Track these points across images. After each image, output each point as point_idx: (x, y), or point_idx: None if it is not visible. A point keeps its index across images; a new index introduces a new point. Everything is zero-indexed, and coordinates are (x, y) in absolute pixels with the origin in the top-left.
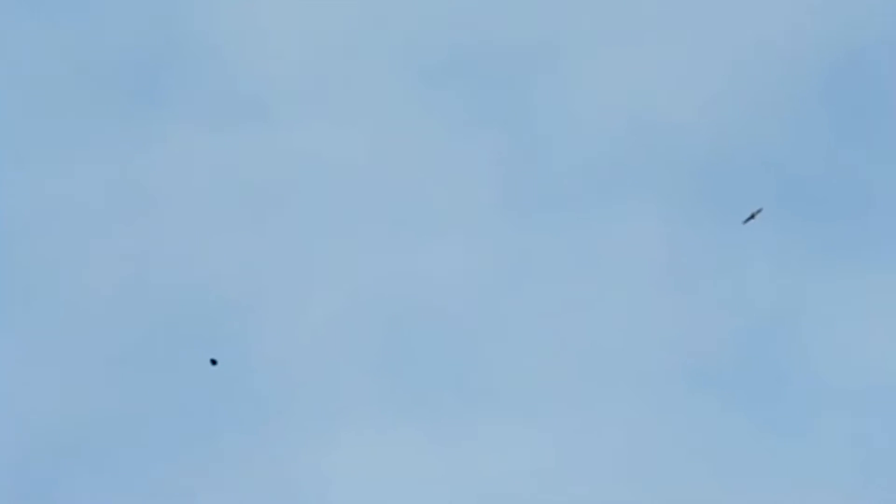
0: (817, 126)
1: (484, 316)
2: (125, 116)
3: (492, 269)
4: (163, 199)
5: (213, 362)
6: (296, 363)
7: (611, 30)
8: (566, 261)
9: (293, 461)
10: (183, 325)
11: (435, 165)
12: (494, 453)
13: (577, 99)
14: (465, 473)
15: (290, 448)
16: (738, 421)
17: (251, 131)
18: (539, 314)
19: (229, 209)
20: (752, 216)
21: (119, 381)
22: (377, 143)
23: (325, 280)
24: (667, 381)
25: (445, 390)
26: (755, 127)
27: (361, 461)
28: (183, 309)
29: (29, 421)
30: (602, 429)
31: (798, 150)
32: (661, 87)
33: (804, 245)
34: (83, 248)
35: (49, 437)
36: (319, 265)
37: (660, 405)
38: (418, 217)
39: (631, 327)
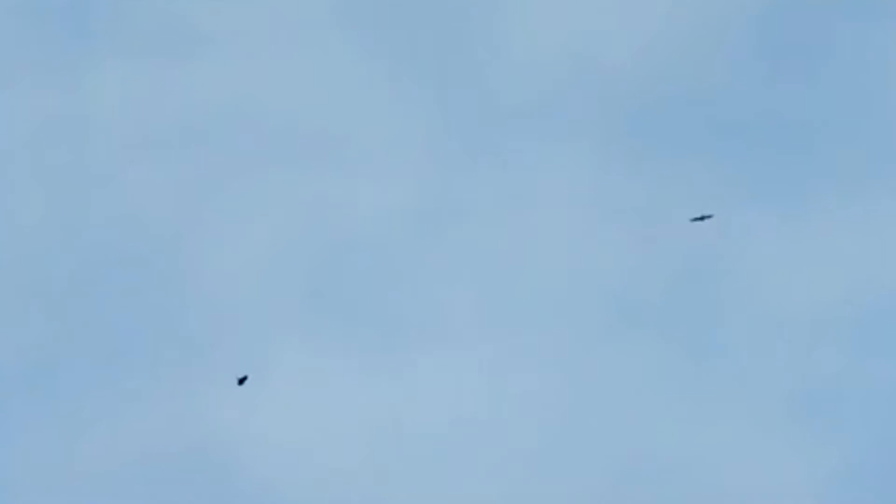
0: (752, 65)
1: (415, 249)
2: (54, 47)
3: (424, 205)
4: (91, 130)
5: (241, 381)
6: (224, 295)
7: None
8: (499, 197)
9: (220, 393)
10: (111, 256)
11: (368, 102)
12: (426, 385)
13: (514, 39)
14: (396, 404)
15: (218, 380)
16: (673, 351)
17: (179, 64)
18: (471, 249)
19: (157, 141)
20: (702, 218)
21: (45, 313)
22: (312, 78)
23: (254, 211)
24: (600, 314)
25: (376, 322)
26: (691, 67)
27: (290, 393)
28: (110, 240)
29: None
30: (535, 361)
31: (732, 89)
32: (597, 27)
33: (738, 183)
34: (8, 180)
35: None
36: (249, 197)
37: (594, 338)
38: (350, 150)
39: (564, 261)
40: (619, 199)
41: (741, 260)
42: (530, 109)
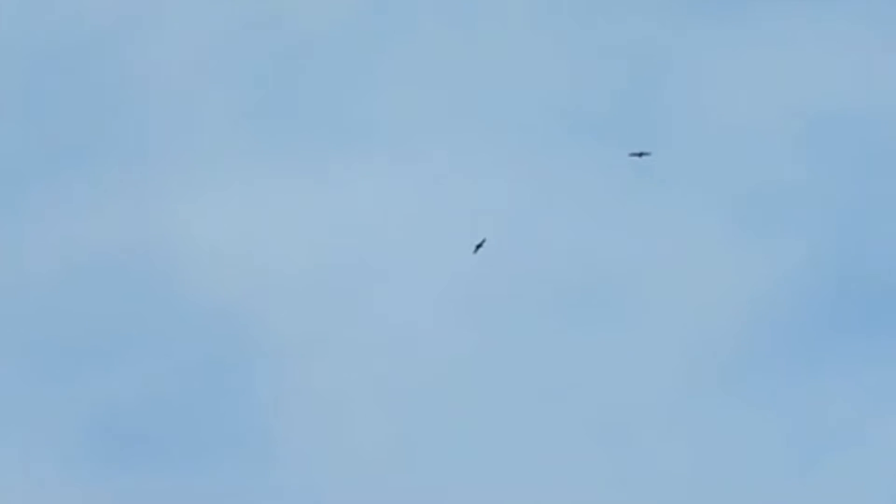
0: None
1: (355, 56)
2: None
3: (365, 12)
4: None
5: (479, 246)
6: (172, 99)
7: None
8: (443, 14)
9: (165, 196)
10: (58, 60)
11: None
12: (371, 192)
13: None
14: (337, 213)
15: (161, 191)
16: (617, 160)
17: None
18: (416, 57)
19: None
20: (640, 154)
21: None
22: None
23: (204, 15)
24: (548, 126)
25: (316, 130)
26: None
27: (232, 203)
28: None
29: None
30: (479, 170)
31: None
32: None
33: None
34: None
35: None
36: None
37: (541, 149)
38: None
39: (512, 73)
40: (567, 12)
41: (686, 71)
42: None
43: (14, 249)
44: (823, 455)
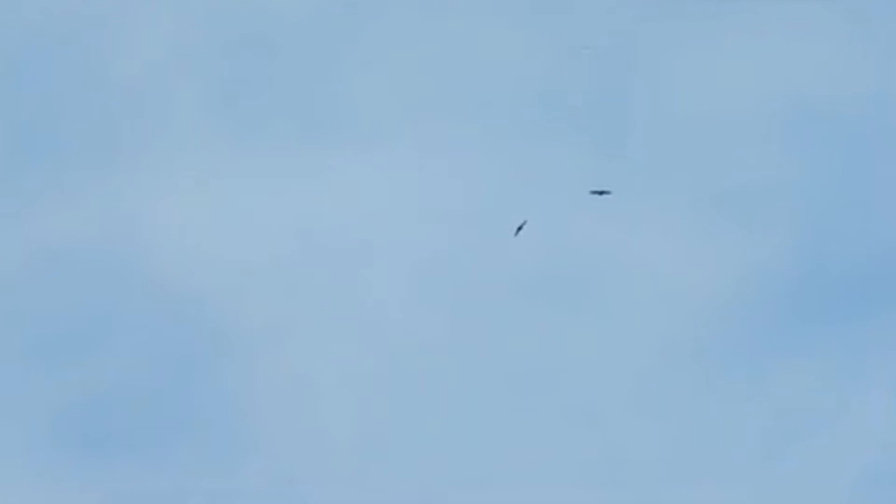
0: None
1: (327, 45)
2: None
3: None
4: None
5: (519, 228)
6: (138, 83)
7: None
8: (416, 3)
9: (130, 186)
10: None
11: None
12: (341, 184)
13: None
14: (308, 202)
15: (129, 182)
16: (585, 146)
17: None
18: (388, 45)
19: None
20: (601, 193)
21: None
22: None
23: (162, 7)
24: (522, 114)
25: (293, 118)
26: None
27: (201, 193)
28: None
29: None
30: (452, 158)
31: None
32: None
33: None
34: None
35: None
36: None
37: (515, 137)
38: None
39: (485, 56)
40: (541, 2)
41: (661, 60)
42: None
43: None
44: (796, 441)
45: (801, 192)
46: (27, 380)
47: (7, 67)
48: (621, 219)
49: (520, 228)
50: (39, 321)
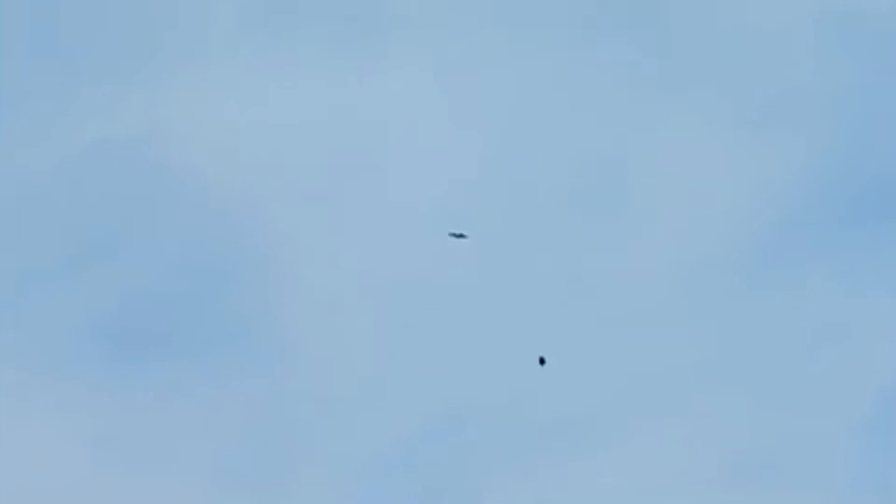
0: None
1: None
2: None
3: None
4: None
5: (542, 361)
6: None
7: None
8: None
9: (170, 80)
10: None
11: None
12: (376, 87)
13: None
14: (342, 108)
15: (168, 68)
16: (627, 59)
17: None
18: None
19: None
20: (542, 361)
21: None
22: None
23: None
24: (559, 24)
25: (336, 16)
26: None
27: (237, 96)
28: None
29: None
30: (490, 65)
31: None
32: None
33: None
34: None
35: None
36: None
37: (551, 47)
38: None
39: None
40: None
41: None
42: None
43: (17, 142)
44: (831, 342)
45: (835, 101)
46: (60, 282)
47: None
48: (663, 125)
49: (542, 361)
50: (73, 224)
